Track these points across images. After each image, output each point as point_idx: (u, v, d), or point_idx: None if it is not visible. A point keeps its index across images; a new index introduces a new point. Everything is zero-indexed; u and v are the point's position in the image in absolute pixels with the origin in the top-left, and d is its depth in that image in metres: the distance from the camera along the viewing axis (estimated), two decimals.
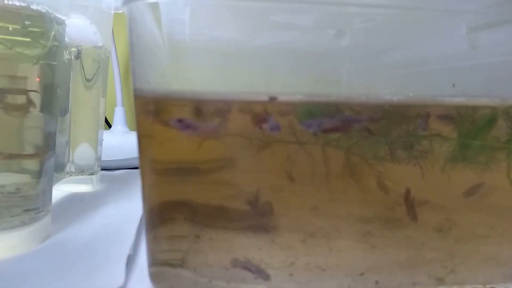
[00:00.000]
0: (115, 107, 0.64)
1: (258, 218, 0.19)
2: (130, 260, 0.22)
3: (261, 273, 0.19)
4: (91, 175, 0.37)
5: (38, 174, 0.24)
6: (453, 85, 0.19)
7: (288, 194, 0.19)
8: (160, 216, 0.19)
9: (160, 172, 0.19)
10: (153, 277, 0.20)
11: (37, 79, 0.23)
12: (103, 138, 0.39)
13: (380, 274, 0.20)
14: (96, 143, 0.37)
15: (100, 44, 0.36)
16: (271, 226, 0.19)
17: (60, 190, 0.35)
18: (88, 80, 0.36)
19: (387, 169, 0.19)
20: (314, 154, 0.18)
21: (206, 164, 0.19)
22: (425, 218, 0.20)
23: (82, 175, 0.37)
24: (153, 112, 0.18)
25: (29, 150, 0.23)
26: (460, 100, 0.20)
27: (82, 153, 0.36)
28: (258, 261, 0.19)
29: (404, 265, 0.20)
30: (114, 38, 0.59)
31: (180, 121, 0.18)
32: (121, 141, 0.55)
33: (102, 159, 0.39)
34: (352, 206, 0.19)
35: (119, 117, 0.64)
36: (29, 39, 0.23)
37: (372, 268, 0.20)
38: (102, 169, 0.40)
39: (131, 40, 0.18)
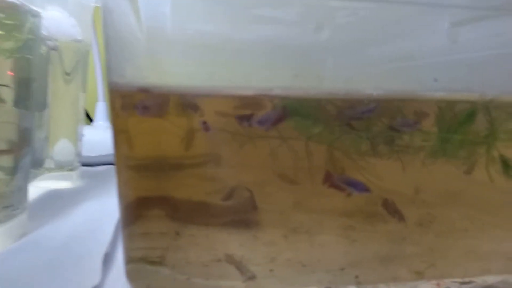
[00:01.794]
0: (97, 102, 0.63)
1: (240, 214, 0.18)
2: (108, 258, 0.22)
3: (248, 273, 0.19)
4: (71, 171, 0.36)
5: (13, 171, 0.23)
6: (435, 80, 0.19)
7: (271, 189, 0.19)
8: (137, 213, 0.19)
9: (136, 168, 0.18)
10: (130, 275, 0.19)
11: (11, 73, 0.23)
12: (85, 134, 0.38)
13: (360, 268, 0.20)
14: (76, 138, 0.37)
15: (79, 37, 0.35)
16: (253, 221, 0.19)
17: (39, 187, 0.34)
18: (67, 74, 0.35)
19: (368, 163, 0.19)
20: (296, 149, 0.18)
21: (185, 159, 0.18)
22: (406, 213, 0.20)
23: (62, 171, 0.36)
24: (128, 107, 0.18)
25: (1, 145, 0.23)
26: (440, 94, 0.20)
27: (61, 148, 0.36)
28: (239, 257, 0.19)
29: (384, 259, 0.20)
30: (96, 32, 0.58)
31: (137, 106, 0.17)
32: (103, 136, 0.54)
33: (84, 154, 0.39)
34: (334, 200, 0.19)
35: (101, 112, 0.63)
36: (2, 32, 0.22)
37: (353, 263, 0.20)
38: (84, 165, 0.40)
39: (106, 33, 0.18)
